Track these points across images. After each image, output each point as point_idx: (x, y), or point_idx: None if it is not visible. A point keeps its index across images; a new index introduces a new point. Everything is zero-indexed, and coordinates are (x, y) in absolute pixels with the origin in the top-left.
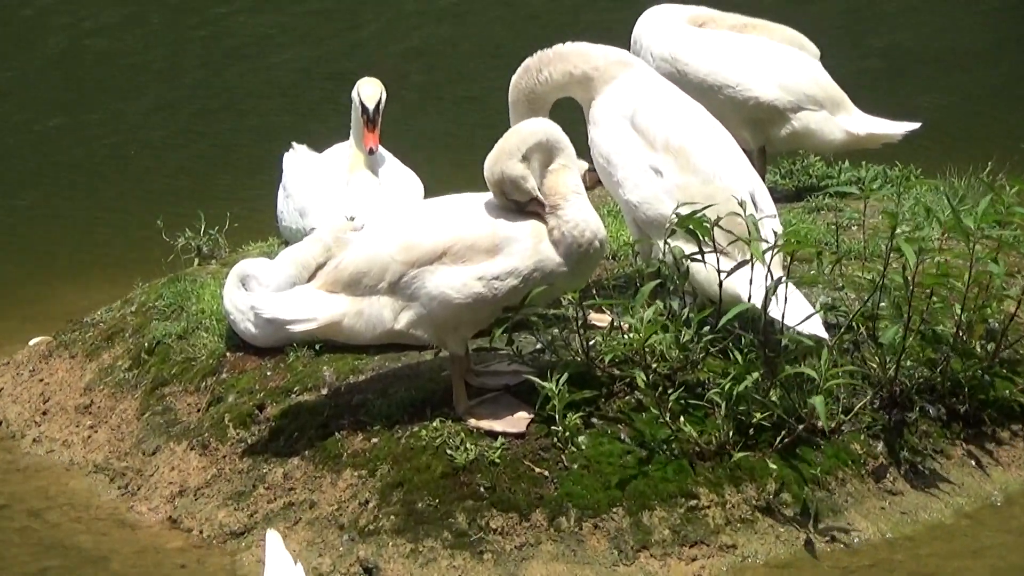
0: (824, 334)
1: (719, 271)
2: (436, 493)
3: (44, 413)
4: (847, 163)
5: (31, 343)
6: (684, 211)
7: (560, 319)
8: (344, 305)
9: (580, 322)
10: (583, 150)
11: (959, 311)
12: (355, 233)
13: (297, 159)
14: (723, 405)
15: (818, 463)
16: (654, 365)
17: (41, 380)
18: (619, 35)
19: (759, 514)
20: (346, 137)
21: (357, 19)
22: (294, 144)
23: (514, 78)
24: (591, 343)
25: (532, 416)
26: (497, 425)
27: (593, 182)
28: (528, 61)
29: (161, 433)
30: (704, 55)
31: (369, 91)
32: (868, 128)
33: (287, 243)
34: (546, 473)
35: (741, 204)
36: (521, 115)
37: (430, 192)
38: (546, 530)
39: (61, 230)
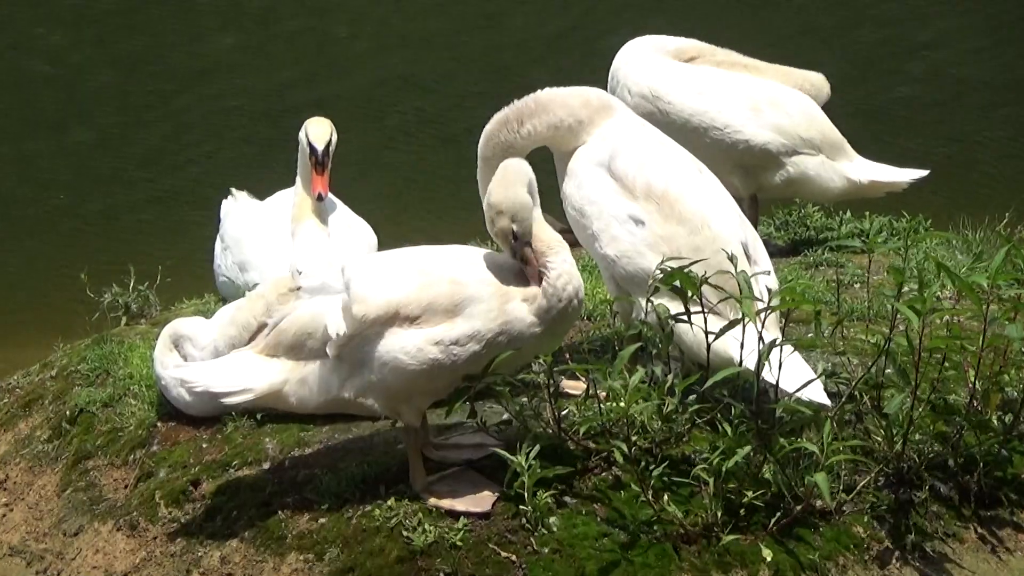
0: (826, 400)
1: (707, 332)
2: None
3: None
4: (848, 213)
5: None
6: (670, 265)
7: (529, 386)
8: (285, 371)
9: (552, 390)
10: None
11: (972, 378)
12: (301, 290)
13: (237, 207)
14: (711, 482)
15: (816, 547)
16: (634, 438)
17: None
18: (599, 68)
19: None
20: (291, 182)
21: (309, 52)
22: (233, 190)
23: (488, 131)
24: (564, 413)
25: (498, 494)
26: (459, 504)
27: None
28: (505, 112)
29: (84, 512)
30: (688, 92)
31: (317, 131)
32: (871, 175)
33: (225, 300)
34: (513, 558)
35: (732, 258)
36: (494, 170)
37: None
38: None
39: None
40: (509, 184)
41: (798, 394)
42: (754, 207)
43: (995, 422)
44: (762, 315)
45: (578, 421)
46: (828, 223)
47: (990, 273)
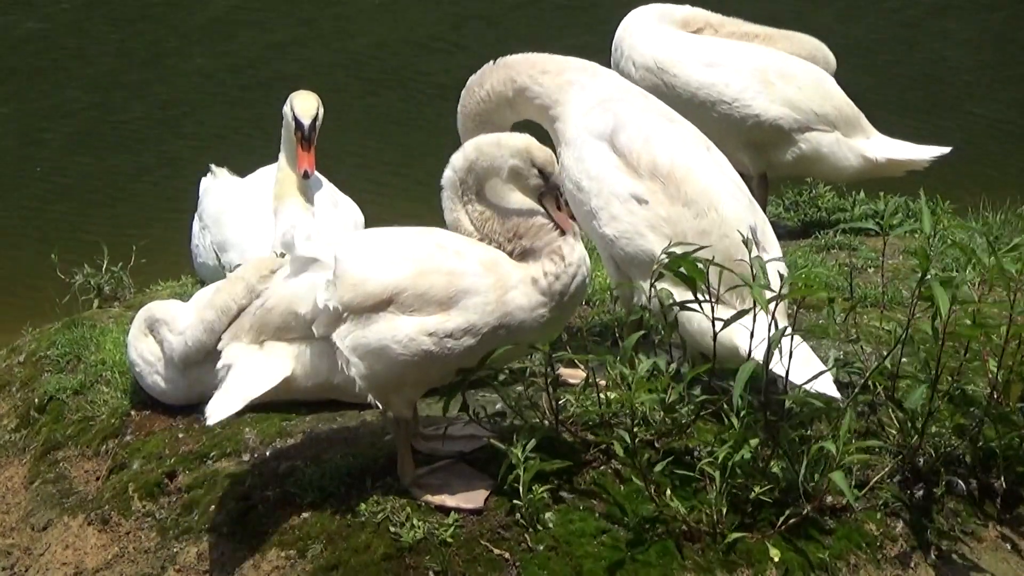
0: (836, 394)
1: (714, 320)
2: None
3: None
4: (862, 194)
5: None
6: (674, 250)
7: (526, 375)
8: (291, 357)
9: (549, 379)
10: None
11: (994, 368)
12: (287, 258)
13: (216, 185)
14: (716, 477)
15: (827, 546)
16: (636, 430)
17: None
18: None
19: None
20: (274, 159)
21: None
22: (213, 167)
23: (460, 102)
24: (561, 403)
25: (491, 488)
26: (450, 499)
27: None
28: (471, 78)
29: (53, 505)
30: (695, 64)
31: (303, 105)
32: (888, 152)
33: (203, 283)
34: (507, 555)
35: (746, 242)
36: None
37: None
38: None
39: None
40: (515, 134)
41: (807, 387)
42: (763, 187)
43: (1017, 415)
44: (772, 304)
45: (577, 412)
46: (840, 204)
47: (1022, 259)
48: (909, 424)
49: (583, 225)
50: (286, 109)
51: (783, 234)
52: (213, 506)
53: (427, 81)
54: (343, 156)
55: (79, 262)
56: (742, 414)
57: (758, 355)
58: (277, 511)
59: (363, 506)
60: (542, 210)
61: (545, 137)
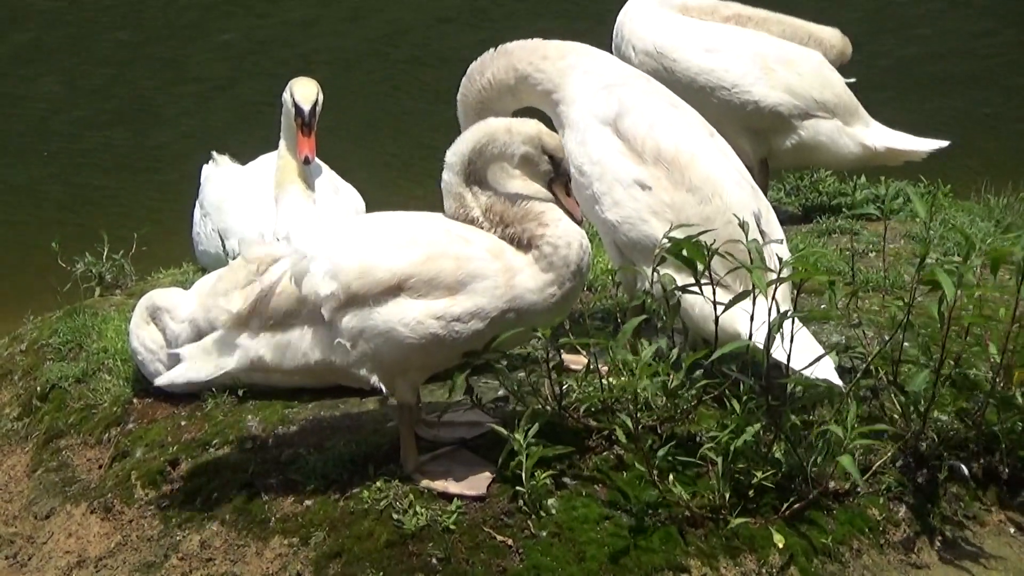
0: (837, 379)
1: (715, 304)
2: (380, 565)
3: None
4: (863, 179)
5: None
6: (677, 234)
7: (528, 360)
8: (265, 341)
9: (551, 364)
10: None
11: (996, 353)
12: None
13: (217, 172)
14: (719, 462)
15: (830, 531)
16: (638, 415)
17: None
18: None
19: None
20: (274, 146)
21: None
22: (214, 154)
23: (460, 91)
24: (564, 389)
25: (494, 475)
26: (452, 485)
27: None
28: (471, 66)
29: (56, 493)
30: (695, 49)
31: (303, 91)
32: (887, 142)
33: (204, 270)
34: (510, 542)
35: (743, 226)
36: None
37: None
38: None
39: None
40: (525, 120)
41: (807, 372)
42: (764, 173)
43: (1019, 399)
44: (773, 286)
45: (579, 397)
46: (842, 188)
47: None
48: (912, 409)
49: (585, 210)
50: (286, 96)
51: (784, 219)
52: (215, 494)
53: (425, 71)
54: (341, 143)
55: (80, 251)
56: (744, 399)
57: (759, 339)
58: (280, 498)
59: (366, 493)
60: (542, 195)
61: (545, 123)
